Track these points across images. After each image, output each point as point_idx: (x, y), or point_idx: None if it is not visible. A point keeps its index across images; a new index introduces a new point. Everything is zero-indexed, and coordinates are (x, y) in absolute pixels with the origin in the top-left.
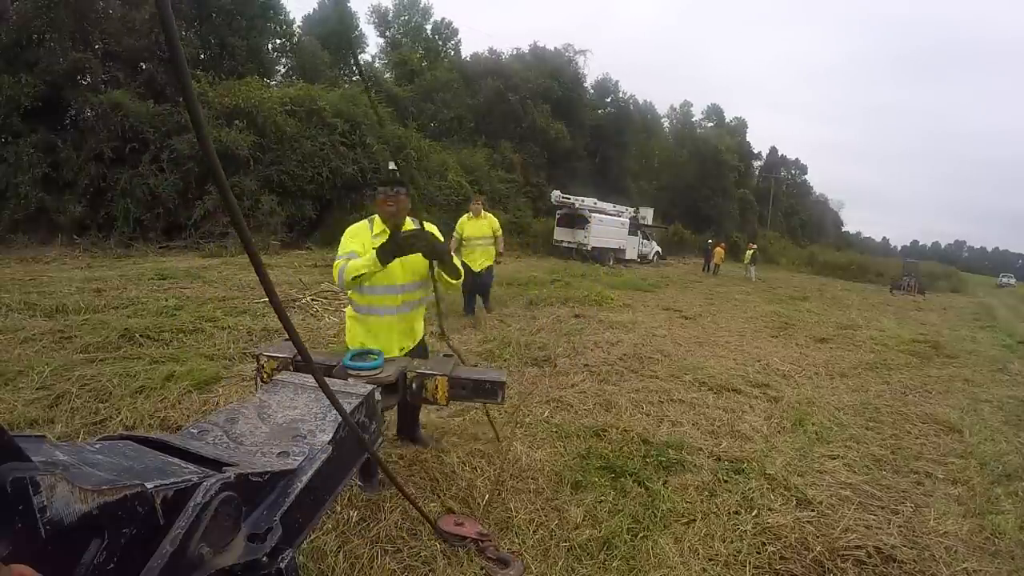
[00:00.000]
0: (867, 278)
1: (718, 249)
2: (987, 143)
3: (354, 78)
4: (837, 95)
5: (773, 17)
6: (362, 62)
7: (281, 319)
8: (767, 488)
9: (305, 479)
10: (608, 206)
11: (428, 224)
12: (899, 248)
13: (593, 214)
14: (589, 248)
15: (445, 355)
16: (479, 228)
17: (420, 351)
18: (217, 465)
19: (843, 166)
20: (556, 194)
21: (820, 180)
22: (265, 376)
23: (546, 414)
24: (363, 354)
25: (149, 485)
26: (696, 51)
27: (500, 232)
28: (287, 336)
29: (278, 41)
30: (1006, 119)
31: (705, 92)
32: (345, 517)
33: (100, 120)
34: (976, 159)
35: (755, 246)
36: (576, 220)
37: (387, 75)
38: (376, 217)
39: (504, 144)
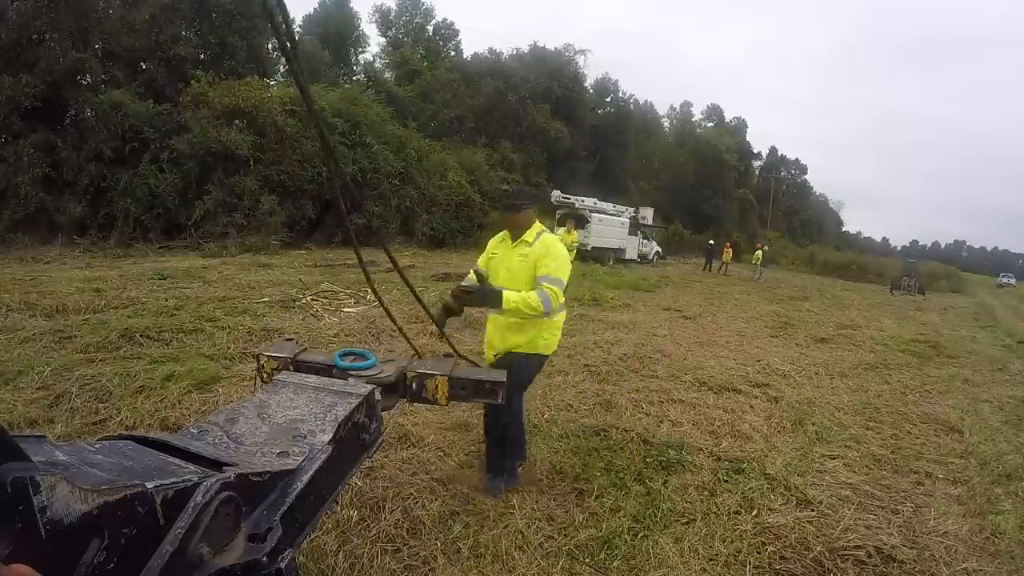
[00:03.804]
0: (867, 278)
1: (727, 249)
2: (986, 140)
3: (355, 78)
4: (830, 89)
5: (761, 10)
6: (362, 61)
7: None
8: (767, 488)
9: (305, 479)
10: (608, 206)
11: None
12: (899, 248)
13: (593, 214)
14: (589, 248)
15: (445, 355)
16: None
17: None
18: (217, 465)
19: (840, 162)
20: (556, 194)
21: (820, 180)
22: (265, 376)
23: (546, 414)
24: (351, 354)
25: (149, 485)
26: (683, 47)
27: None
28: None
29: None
30: (1006, 116)
31: (694, 88)
32: (345, 517)
33: (100, 120)
34: (975, 157)
35: (766, 247)
36: (576, 220)
37: (388, 75)
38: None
39: (504, 144)
